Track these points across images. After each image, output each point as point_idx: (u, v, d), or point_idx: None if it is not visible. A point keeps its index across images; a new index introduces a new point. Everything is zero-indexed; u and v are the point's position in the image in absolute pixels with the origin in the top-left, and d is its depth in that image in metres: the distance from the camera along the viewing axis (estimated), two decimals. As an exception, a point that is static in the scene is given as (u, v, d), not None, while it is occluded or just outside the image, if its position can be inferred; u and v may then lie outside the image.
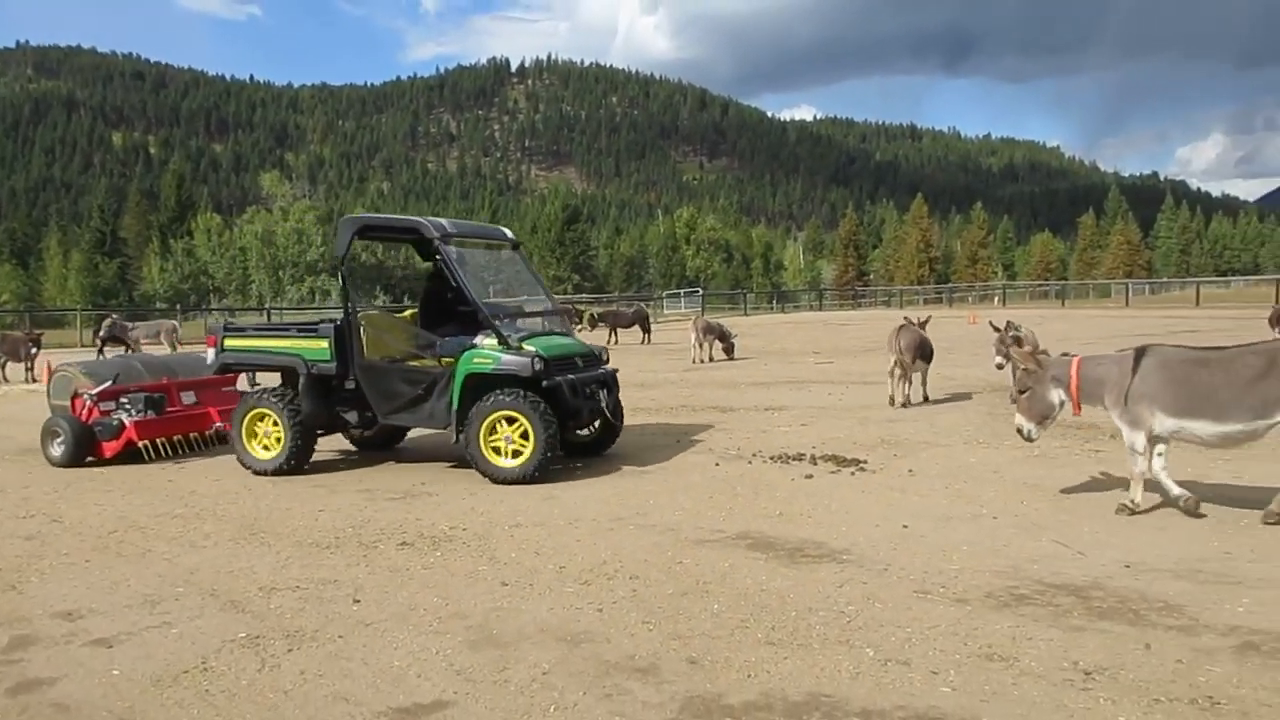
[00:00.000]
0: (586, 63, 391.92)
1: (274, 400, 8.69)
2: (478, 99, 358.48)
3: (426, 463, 9.22)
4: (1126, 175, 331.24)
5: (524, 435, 7.94)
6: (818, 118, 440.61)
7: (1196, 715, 3.48)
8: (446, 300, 9.30)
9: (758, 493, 7.44)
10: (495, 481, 7.97)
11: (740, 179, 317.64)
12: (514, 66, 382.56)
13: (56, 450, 9.41)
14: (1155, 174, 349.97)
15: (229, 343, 9.19)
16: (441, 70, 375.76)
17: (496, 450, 8.01)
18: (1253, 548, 5.57)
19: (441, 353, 8.62)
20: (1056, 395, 6.52)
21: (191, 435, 10.05)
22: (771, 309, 66.96)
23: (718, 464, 8.68)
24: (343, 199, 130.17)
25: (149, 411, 9.72)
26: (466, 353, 8.28)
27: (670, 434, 10.40)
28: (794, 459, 8.72)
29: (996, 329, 11.21)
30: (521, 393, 8.00)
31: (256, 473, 8.63)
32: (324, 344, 8.71)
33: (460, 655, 4.27)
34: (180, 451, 9.83)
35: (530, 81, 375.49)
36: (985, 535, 6.03)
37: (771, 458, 8.84)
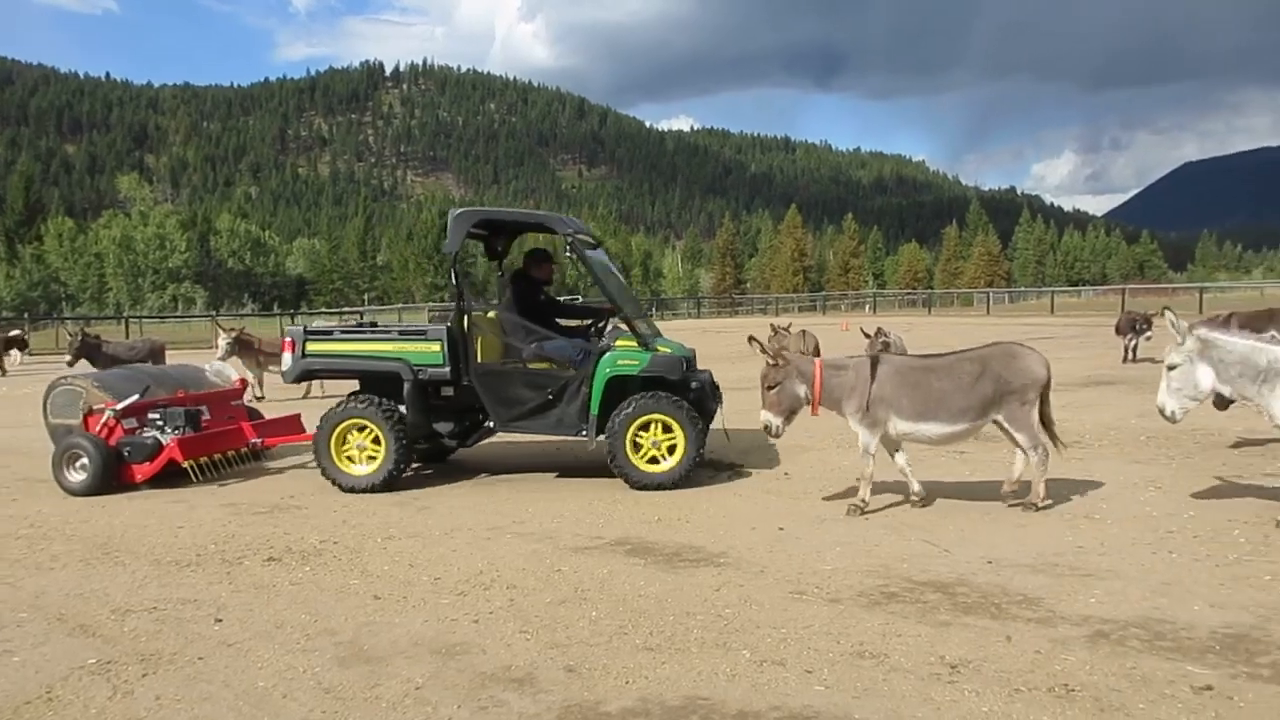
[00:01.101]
0: (464, 68, 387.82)
1: (374, 410, 7.94)
2: (351, 102, 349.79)
3: (296, 474, 8.90)
4: (986, 189, 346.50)
5: (670, 437, 7.73)
6: (695, 128, 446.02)
7: (1053, 703, 3.62)
8: (538, 302, 8.72)
9: (636, 499, 7.44)
10: (639, 488, 7.71)
11: (619, 188, 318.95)
12: (389, 70, 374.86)
13: (77, 476, 8.07)
14: (1013, 188, 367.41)
15: (311, 347, 8.28)
16: (313, 72, 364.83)
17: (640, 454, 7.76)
18: (1102, 541, 5.86)
19: (555, 356, 8.16)
20: (802, 390, 6.76)
21: (229, 453, 8.93)
22: (651, 317, 67.26)
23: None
24: (207, 203, 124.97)
25: (187, 427, 8.64)
26: (608, 355, 7.92)
27: (549, 442, 10.31)
28: (672, 464, 8.73)
29: (867, 335, 11.55)
30: (665, 395, 7.77)
31: (347, 489, 7.89)
32: (436, 347, 8.00)
33: (329, 673, 4.11)
34: (220, 471, 8.69)
35: (406, 86, 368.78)
36: (858, 536, 6.18)
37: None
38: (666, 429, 7.75)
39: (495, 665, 4.14)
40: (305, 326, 9.03)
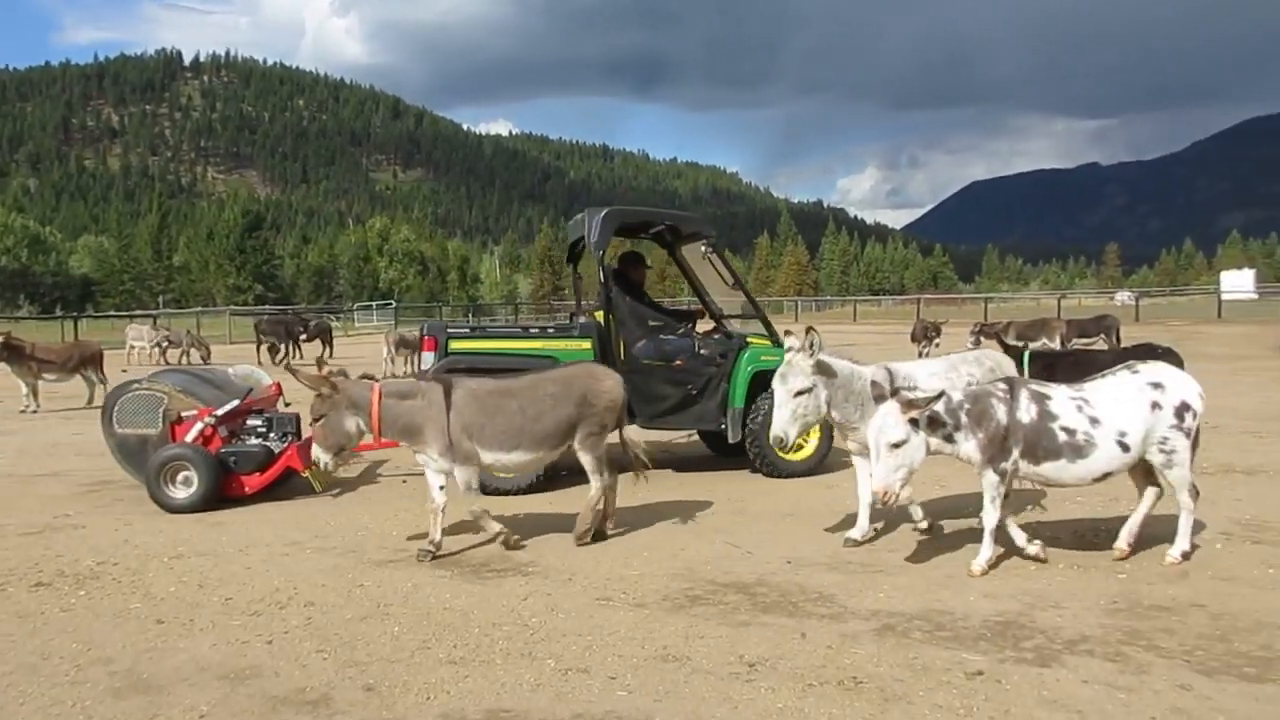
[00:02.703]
0: (270, 62, 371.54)
1: None
2: (145, 93, 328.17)
3: (75, 492, 8.24)
4: (796, 202, 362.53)
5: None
6: (514, 133, 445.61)
7: (842, 695, 3.79)
8: (640, 304, 8.72)
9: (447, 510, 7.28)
10: (779, 477, 8.14)
11: (436, 190, 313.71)
12: (188, 60, 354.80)
13: (181, 491, 7.24)
14: (820, 201, 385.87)
15: (456, 345, 8.04)
16: (102, 58, 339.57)
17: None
18: (891, 539, 6.21)
19: (670, 353, 8.34)
20: (354, 423, 5.91)
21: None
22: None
23: (404, 480, 8.45)
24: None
25: (296, 435, 7.92)
26: (750, 350, 8.34)
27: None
28: (484, 473, 8.63)
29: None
30: None
31: (502, 493, 7.60)
32: (587, 344, 8.05)
33: (102, 705, 3.82)
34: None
35: (207, 77, 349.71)
36: (665, 540, 6.28)
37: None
38: None
39: (288, 688, 3.96)
40: (446, 323, 8.74)
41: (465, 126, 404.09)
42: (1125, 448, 5.25)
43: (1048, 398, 5.30)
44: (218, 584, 5.44)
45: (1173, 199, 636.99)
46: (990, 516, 5.33)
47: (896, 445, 5.06)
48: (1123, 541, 5.59)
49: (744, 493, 7.72)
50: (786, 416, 5.69)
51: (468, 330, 8.62)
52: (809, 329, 5.73)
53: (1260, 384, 15.32)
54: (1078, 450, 5.21)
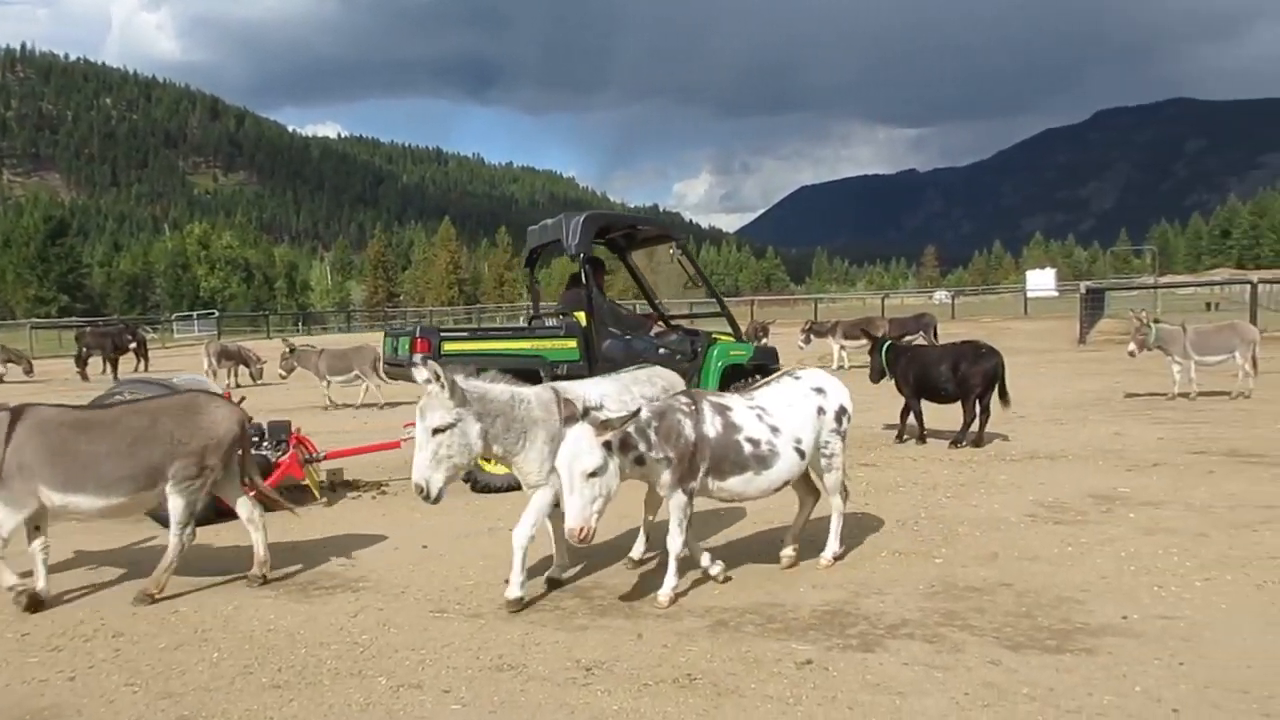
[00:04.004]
0: (73, 57, 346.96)
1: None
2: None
3: None
4: (633, 205, 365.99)
5: None
6: (343, 135, 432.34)
7: (677, 693, 3.83)
8: (605, 306, 8.87)
9: (269, 524, 6.95)
10: None
11: (260, 195, 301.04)
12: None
13: None
14: (656, 205, 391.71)
15: (449, 346, 8.10)
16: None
17: None
18: (726, 534, 6.34)
19: (637, 352, 8.51)
20: None
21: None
22: (298, 331, 64.20)
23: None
24: None
25: (288, 443, 7.73)
26: (719, 345, 8.89)
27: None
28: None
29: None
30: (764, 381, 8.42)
31: (493, 490, 7.99)
32: (572, 343, 8.41)
33: (-128, 762, 3.45)
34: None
35: (1, 73, 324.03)
36: (500, 548, 6.16)
37: (288, 486, 8.34)
38: None
39: (92, 727, 3.68)
40: (439, 327, 8.91)
41: (291, 128, 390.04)
42: (802, 454, 5.17)
43: (729, 409, 5.05)
44: (12, 618, 5.02)
45: (983, 204, 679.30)
46: (676, 542, 4.89)
47: (593, 474, 4.45)
48: (789, 548, 5.54)
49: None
50: (426, 460, 4.71)
51: (464, 333, 9.01)
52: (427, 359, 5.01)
53: (1061, 375, 16.50)
54: (762, 461, 5.01)
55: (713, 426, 4.91)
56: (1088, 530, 6.12)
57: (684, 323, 10.06)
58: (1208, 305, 35.02)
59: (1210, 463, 8.17)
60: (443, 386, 4.71)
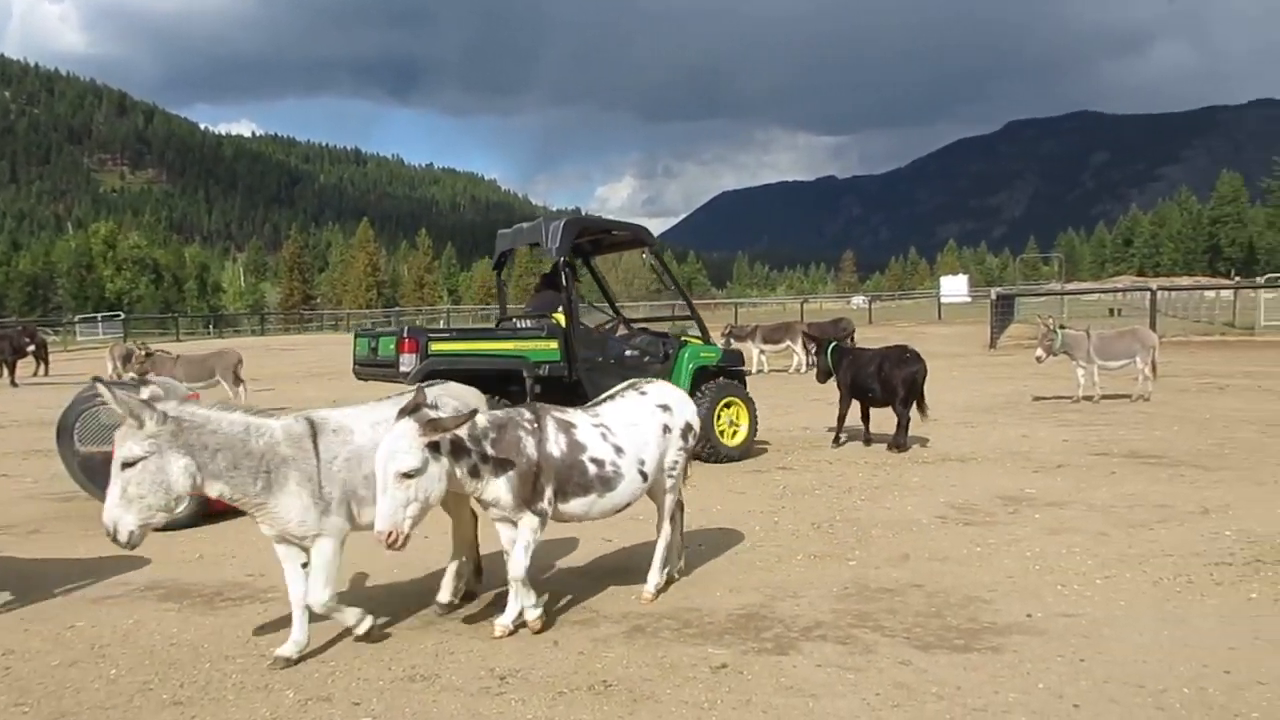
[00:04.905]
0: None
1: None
2: None
3: None
4: (555, 209, 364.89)
5: (735, 416, 9.25)
6: (258, 134, 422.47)
7: (593, 700, 3.80)
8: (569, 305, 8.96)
9: (173, 536, 6.72)
10: (722, 461, 8.93)
11: (170, 193, 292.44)
12: None
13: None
14: (579, 209, 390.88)
15: (436, 347, 8.23)
16: None
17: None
18: (647, 538, 6.31)
19: (649, 350, 9.16)
20: None
21: None
22: (209, 334, 62.48)
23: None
24: None
25: None
26: (689, 347, 9.25)
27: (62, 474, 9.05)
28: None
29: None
30: (734, 381, 9.32)
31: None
32: (554, 344, 8.64)
33: None
34: None
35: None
36: (415, 556, 6.07)
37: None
38: (733, 408, 9.24)
39: (-23, 750, 3.51)
40: (425, 327, 9.04)
41: (203, 126, 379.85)
42: (645, 476, 4.87)
43: (574, 426, 4.70)
44: (-107, 638, 4.76)
45: (899, 210, 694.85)
46: (519, 565, 4.51)
47: (409, 475, 4.04)
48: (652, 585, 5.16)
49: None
50: (114, 498, 3.95)
51: (448, 334, 9.17)
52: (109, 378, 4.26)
53: (973, 380, 16.92)
54: (607, 483, 4.69)
55: (556, 445, 4.56)
56: (995, 531, 6.28)
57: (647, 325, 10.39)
58: (1111, 311, 36.40)
59: (1112, 464, 8.46)
60: (126, 413, 3.90)
